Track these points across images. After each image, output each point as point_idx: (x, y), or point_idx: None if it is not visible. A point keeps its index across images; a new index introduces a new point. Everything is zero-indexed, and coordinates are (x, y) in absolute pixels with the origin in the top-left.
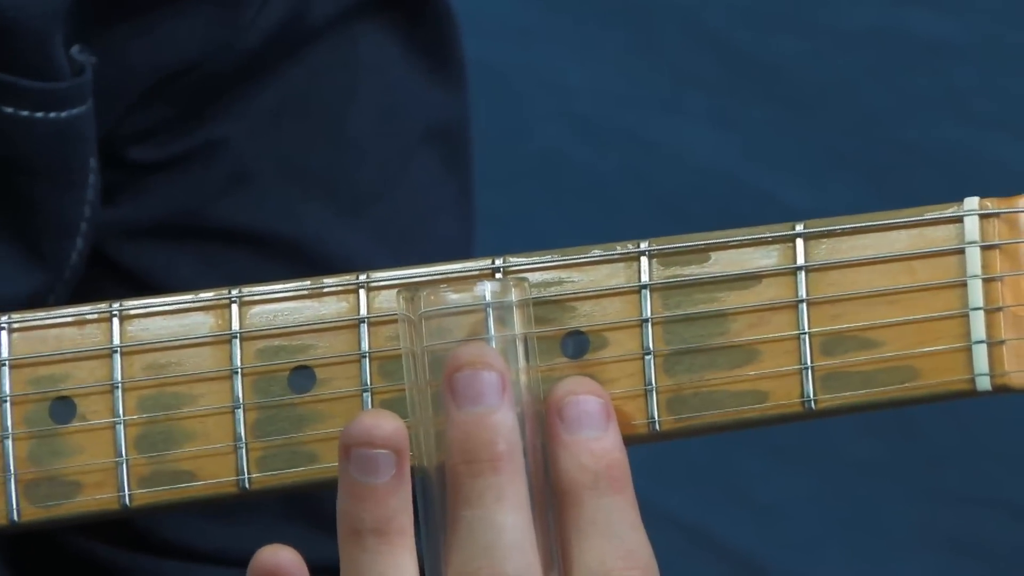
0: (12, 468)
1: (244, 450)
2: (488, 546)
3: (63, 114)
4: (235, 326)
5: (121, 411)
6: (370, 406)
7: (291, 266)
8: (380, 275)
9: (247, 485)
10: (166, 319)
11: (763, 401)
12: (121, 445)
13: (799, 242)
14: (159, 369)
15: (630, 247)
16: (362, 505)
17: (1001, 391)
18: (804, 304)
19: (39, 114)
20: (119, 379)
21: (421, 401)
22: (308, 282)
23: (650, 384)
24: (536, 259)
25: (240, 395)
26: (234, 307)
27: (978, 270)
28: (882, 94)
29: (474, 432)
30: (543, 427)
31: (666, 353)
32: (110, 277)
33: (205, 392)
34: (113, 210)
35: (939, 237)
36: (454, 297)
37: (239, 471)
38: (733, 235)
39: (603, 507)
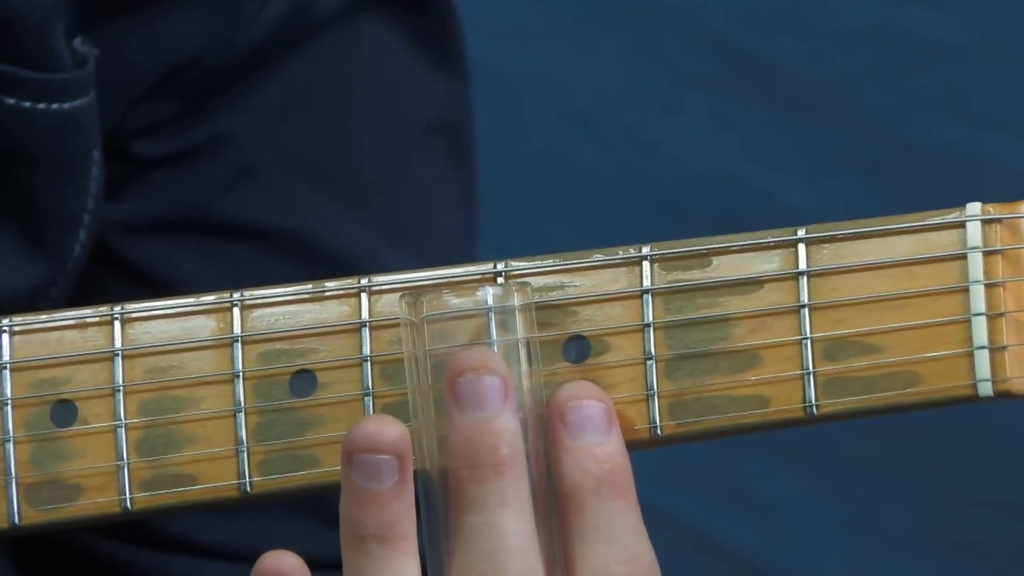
0: (13, 471)
1: (245, 454)
2: (491, 551)
3: (65, 105)
4: (236, 330)
5: (122, 414)
6: (371, 410)
7: (295, 260)
8: (382, 279)
9: (248, 489)
10: (167, 322)
11: (765, 406)
12: (122, 449)
13: (801, 247)
14: (160, 372)
15: (632, 251)
16: (365, 511)
17: (1003, 397)
18: (806, 309)
19: (41, 105)
20: (120, 382)
21: (424, 405)
22: (309, 286)
23: (652, 389)
24: (538, 263)
25: (241, 399)
26: (235, 310)
27: (980, 275)
28: (881, 94)
29: (477, 437)
30: (546, 431)
31: (668, 358)
32: (114, 272)
33: (206, 396)
34: (117, 205)
35: (941, 242)
36: (456, 302)
37: (240, 475)
38: (735, 240)
39: (606, 512)
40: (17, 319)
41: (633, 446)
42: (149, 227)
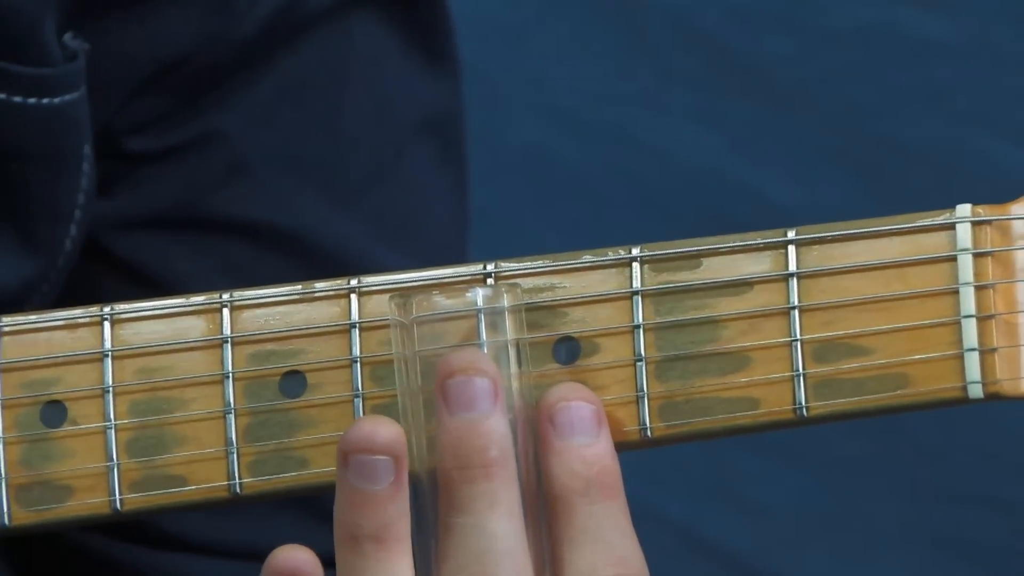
0: (3, 472)
1: (235, 455)
2: (481, 552)
3: (56, 100)
4: (226, 330)
5: (112, 415)
6: (361, 411)
7: (287, 257)
8: (372, 280)
9: (239, 490)
10: (157, 323)
11: (754, 408)
12: (112, 449)
13: (791, 248)
14: (150, 373)
15: (622, 253)
16: (360, 511)
17: (993, 399)
18: (796, 311)
19: (31, 100)
20: (110, 383)
21: (413, 407)
22: (299, 287)
23: (641, 391)
24: (528, 264)
25: (231, 400)
26: (225, 311)
27: (970, 277)
28: (870, 92)
29: (467, 438)
30: (535, 433)
31: (658, 359)
32: (105, 268)
33: (196, 396)
34: (109, 201)
35: (931, 244)
36: (446, 303)
37: (230, 476)
38: (725, 241)
39: (594, 514)
40: (7, 319)
41: (623, 448)
42: (140, 223)
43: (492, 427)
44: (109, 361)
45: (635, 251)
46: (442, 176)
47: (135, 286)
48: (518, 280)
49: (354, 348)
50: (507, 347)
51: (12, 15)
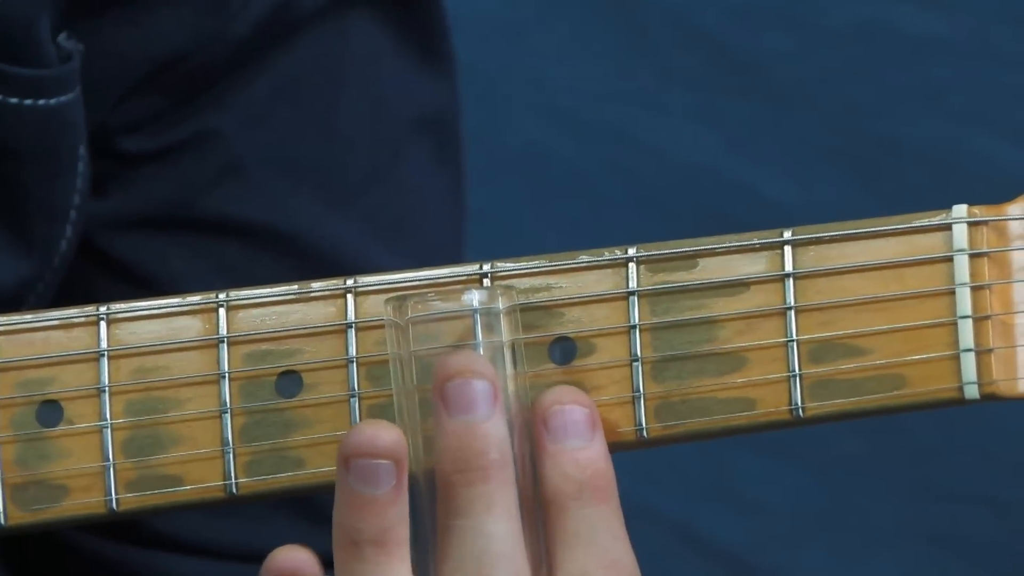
0: None
1: (231, 455)
2: (478, 554)
3: (51, 101)
4: (222, 330)
5: (108, 415)
6: (357, 411)
7: (281, 257)
8: (368, 280)
9: (234, 490)
10: (153, 323)
11: (751, 408)
12: (108, 449)
13: (787, 249)
14: (146, 373)
15: (618, 253)
16: (360, 515)
17: (989, 399)
18: (792, 311)
19: (27, 101)
20: (106, 383)
21: (409, 406)
22: (295, 286)
23: (638, 391)
24: (524, 264)
25: (227, 400)
26: (221, 311)
27: (966, 278)
28: (868, 90)
29: (466, 441)
30: (530, 435)
31: (654, 360)
32: (100, 268)
33: (192, 396)
34: (103, 201)
35: (927, 245)
36: (442, 305)
37: (226, 476)
38: (721, 242)
39: (587, 517)
40: (2, 319)
41: (619, 448)
42: (135, 223)
43: (491, 430)
44: (105, 361)
45: (631, 251)
46: (438, 176)
47: (130, 286)
48: (514, 280)
49: (350, 348)
50: (503, 349)
51: (7, 17)
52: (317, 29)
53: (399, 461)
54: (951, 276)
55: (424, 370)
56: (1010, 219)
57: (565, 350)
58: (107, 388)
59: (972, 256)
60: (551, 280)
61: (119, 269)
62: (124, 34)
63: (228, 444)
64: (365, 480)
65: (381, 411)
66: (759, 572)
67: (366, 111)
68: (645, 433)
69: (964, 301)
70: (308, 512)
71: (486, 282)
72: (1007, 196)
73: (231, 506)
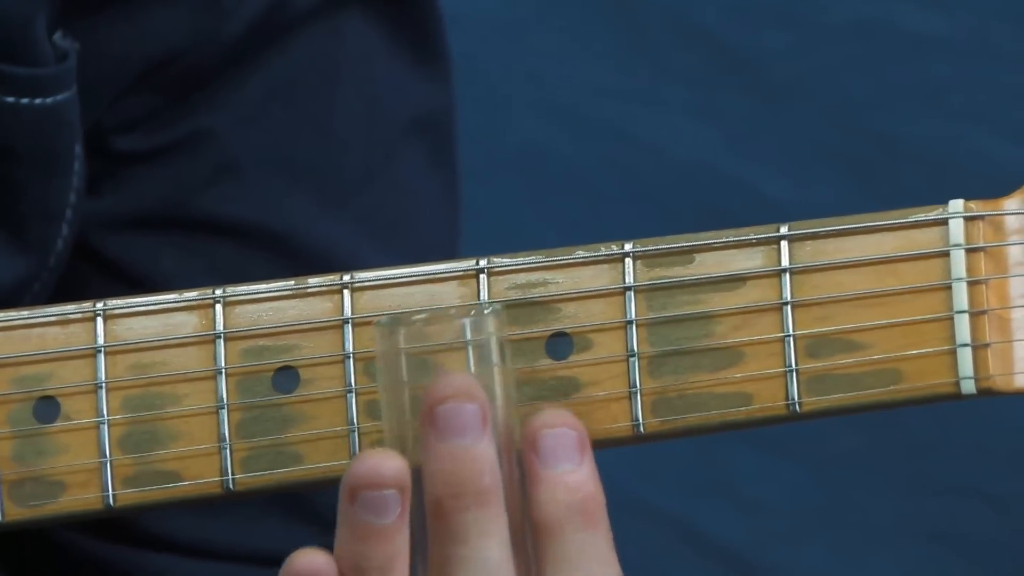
0: None
1: (228, 450)
2: None
3: (48, 100)
4: (219, 326)
5: (105, 411)
6: (354, 407)
7: (276, 257)
8: (364, 275)
9: (231, 486)
10: (150, 319)
11: (748, 403)
12: (105, 445)
13: (783, 244)
14: (143, 369)
15: (614, 248)
16: (367, 544)
17: (986, 394)
18: (789, 306)
19: (24, 100)
20: (103, 379)
21: (396, 401)
22: (292, 282)
23: (634, 386)
24: (520, 260)
25: (224, 395)
26: (218, 307)
27: (963, 273)
28: (866, 88)
29: (460, 465)
30: (519, 459)
31: (651, 355)
32: (94, 268)
33: (189, 392)
34: (97, 201)
35: (924, 239)
36: (433, 331)
37: (223, 471)
38: (718, 237)
39: (576, 541)
40: None
41: (616, 444)
42: (129, 223)
43: (482, 453)
44: (102, 357)
45: (628, 247)
46: (433, 177)
47: (124, 286)
48: (510, 276)
49: (347, 343)
50: (493, 373)
51: (3, 15)
52: (311, 29)
53: (404, 489)
54: (948, 271)
55: (415, 367)
56: (1006, 214)
57: (562, 346)
58: (104, 384)
59: (968, 251)
60: (547, 275)
61: (113, 269)
62: (119, 33)
63: (225, 440)
64: (374, 511)
65: (378, 407)
66: (757, 569)
67: (360, 111)
68: (642, 428)
69: (960, 296)
70: (300, 512)
71: (481, 281)
72: (1005, 193)
73: (227, 503)
